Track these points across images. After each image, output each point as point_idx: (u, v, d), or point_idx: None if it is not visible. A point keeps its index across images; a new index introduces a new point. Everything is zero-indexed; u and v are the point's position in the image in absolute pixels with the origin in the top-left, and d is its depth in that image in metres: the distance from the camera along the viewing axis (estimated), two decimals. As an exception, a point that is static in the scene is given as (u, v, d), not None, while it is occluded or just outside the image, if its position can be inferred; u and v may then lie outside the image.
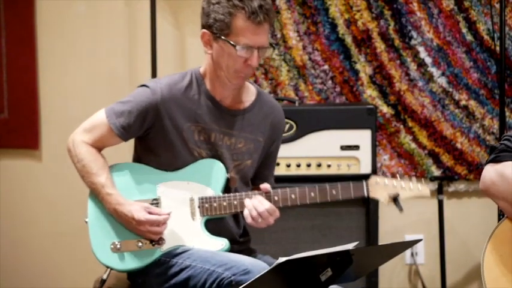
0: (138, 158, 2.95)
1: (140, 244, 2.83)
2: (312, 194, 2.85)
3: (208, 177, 2.88)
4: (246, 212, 2.82)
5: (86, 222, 2.87)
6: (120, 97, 2.95)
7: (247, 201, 2.82)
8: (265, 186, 2.86)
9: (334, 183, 2.85)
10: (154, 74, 4.05)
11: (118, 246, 2.83)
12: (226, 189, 2.90)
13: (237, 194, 2.86)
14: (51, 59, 4.32)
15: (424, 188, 2.88)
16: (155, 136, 2.87)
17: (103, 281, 2.89)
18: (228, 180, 2.90)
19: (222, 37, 2.77)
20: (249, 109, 2.94)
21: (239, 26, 2.75)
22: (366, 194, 2.86)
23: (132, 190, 2.87)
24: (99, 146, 2.90)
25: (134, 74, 4.32)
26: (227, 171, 2.90)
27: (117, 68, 4.32)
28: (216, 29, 2.77)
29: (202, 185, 2.88)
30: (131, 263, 2.84)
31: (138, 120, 2.84)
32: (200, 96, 2.88)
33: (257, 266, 2.68)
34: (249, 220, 2.82)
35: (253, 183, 3.00)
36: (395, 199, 2.86)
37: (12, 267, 4.37)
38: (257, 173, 3.01)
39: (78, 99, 4.31)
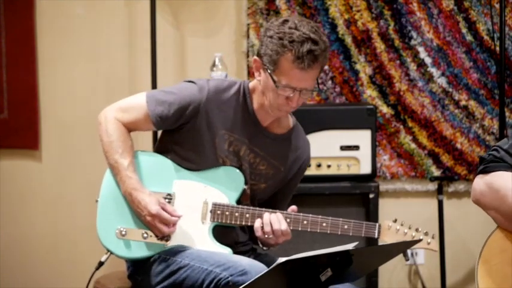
0: (162, 148, 2.94)
1: (145, 235, 2.82)
2: (324, 224, 2.85)
3: (226, 185, 2.88)
4: (257, 225, 2.82)
5: (97, 201, 2.87)
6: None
7: (265, 215, 2.82)
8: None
9: (348, 220, 2.85)
10: (154, 74, 4.04)
11: (123, 232, 2.83)
12: (238, 201, 2.90)
13: (251, 207, 2.87)
14: (51, 59, 4.32)
15: (434, 243, 2.91)
16: (188, 132, 2.87)
17: (101, 263, 2.88)
18: (243, 192, 2.90)
19: (268, 71, 2.77)
20: (282, 137, 2.95)
21: (284, 67, 2.74)
22: (376, 236, 2.87)
23: (149, 180, 2.86)
24: (130, 128, 2.89)
25: (134, 74, 4.32)
26: (245, 183, 2.90)
27: (117, 68, 4.32)
28: (265, 61, 2.77)
29: (218, 191, 2.88)
30: (132, 251, 2.83)
31: (177, 114, 2.84)
32: (242, 109, 2.88)
33: (255, 266, 2.68)
34: (258, 233, 2.83)
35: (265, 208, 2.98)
36: None
37: (12, 267, 4.37)
38: (270, 203, 2.99)
39: (78, 99, 4.31)
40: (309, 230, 2.85)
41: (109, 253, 2.86)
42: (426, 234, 2.92)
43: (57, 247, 4.37)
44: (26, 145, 4.34)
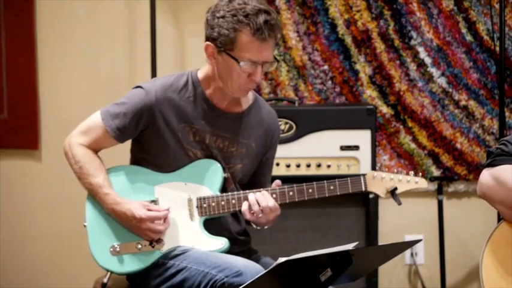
0: (134, 160, 2.96)
1: (139, 246, 2.83)
2: (310, 190, 2.85)
3: (205, 178, 2.88)
4: (244, 208, 2.82)
5: (85, 226, 2.88)
6: (120, 97, 2.95)
7: (250, 195, 2.82)
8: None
9: (332, 180, 2.85)
10: (154, 74, 4.05)
11: (117, 249, 2.83)
12: (223, 189, 2.90)
13: (235, 192, 2.87)
14: (51, 59, 4.32)
15: (421, 181, 2.89)
16: (150, 137, 2.87)
17: (104, 285, 2.89)
18: (225, 180, 2.90)
19: (226, 52, 2.76)
20: (244, 113, 2.94)
21: (244, 42, 2.73)
22: (363, 189, 2.86)
23: (130, 192, 2.87)
24: (95, 148, 2.90)
25: (134, 74, 4.32)
26: (224, 171, 2.90)
27: (117, 68, 4.32)
28: (220, 43, 2.75)
29: (199, 185, 2.88)
30: (131, 265, 2.84)
31: (133, 122, 2.85)
32: (195, 98, 2.88)
33: (250, 267, 2.68)
34: (247, 216, 2.83)
35: (249, 189, 2.99)
36: (393, 192, 2.86)
37: (11, 267, 4.37)
38: (253, 179, 3.01)
39: (78, 99, 4.31)
40: (296, 199, 2.85)
41: (109, 273, 2.87)
42: (412, 174, 2.89)
43: (57, 247, 4.37)
44: (26, 145, 4.34)
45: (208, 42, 2.79)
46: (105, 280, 2.88)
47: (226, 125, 2.91)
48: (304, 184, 2.85)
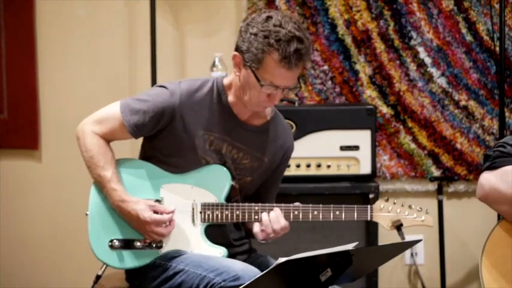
0: (144, 155, 2.94)
1: (139, 244, 2.82)
2: (315, 212, 2.85)
3: (213, 183, 2.87)
4: (256, 229, 2.82)
5: (87, 215, 2.87)
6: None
7: (264, 216, 2.82)
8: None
9: (339, 205, 2.85)
10: (154, 74, 4.05)
11: (116, 243, 2.83)
12: (228, 197, 2.89)
13: (240, 204, 2.86)
14: (51, 60, 4.32)
15: (428, 218, 2.89)
16: (166, 138, 2.85)
17: (98, 277, 2.89)
18: (232, 188, 2.89)
19: (251, 68, 2.74)
20: (262, 127, 2.93)
21: (270, 66, 2.71)
22: (369, 219, 2.86)
23: (136, 188, 2.85)
24: (108, 138, 2.87)
25: (134, 74, 4.32)
26: (232, 179, 2.89)
27: (117, 68, 4.32)
28: (248, 59, 2.73)
29: (206, 191, 2.87)
30: (128, 262, 2.83)
31: (153, 121, 2.82)
32: (218, 106, 2.86)
33: (248, 271, 2.68)
34: (260, 237, 2.83)
35: (251, 202, 2.97)
36: (398, 227, 2.85)
37: (12, 267, 4.37)
38: (258, 194, 2.99)
39: (78, 99, 4.31)
40: (301, 219, 2.85)
41: (105, 266, 2.87)
42: (419, 210, 2.89)
43: (57, 247, 4.37)
44: (26, 145, 4.34)
45: (236, 53, 2.78)
46: (99, 272, 2.87)
47: (244, 137, 2.89)
48: (310, 206, 2.84)
